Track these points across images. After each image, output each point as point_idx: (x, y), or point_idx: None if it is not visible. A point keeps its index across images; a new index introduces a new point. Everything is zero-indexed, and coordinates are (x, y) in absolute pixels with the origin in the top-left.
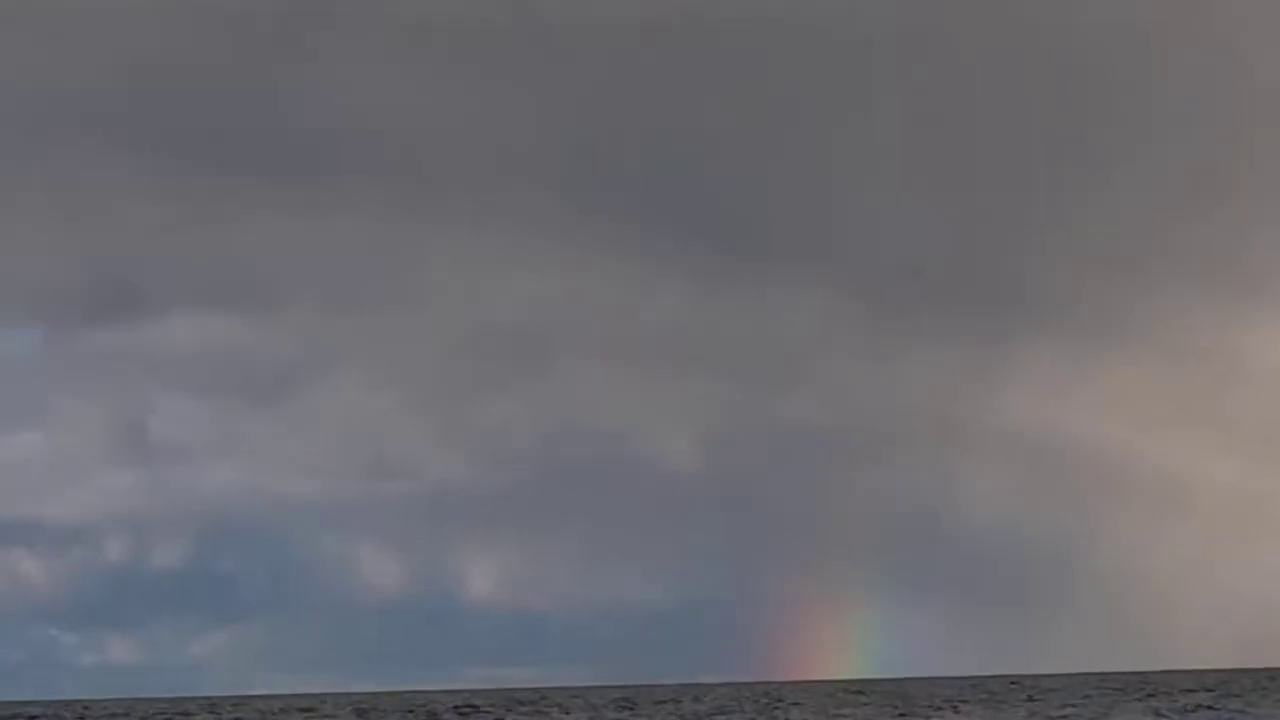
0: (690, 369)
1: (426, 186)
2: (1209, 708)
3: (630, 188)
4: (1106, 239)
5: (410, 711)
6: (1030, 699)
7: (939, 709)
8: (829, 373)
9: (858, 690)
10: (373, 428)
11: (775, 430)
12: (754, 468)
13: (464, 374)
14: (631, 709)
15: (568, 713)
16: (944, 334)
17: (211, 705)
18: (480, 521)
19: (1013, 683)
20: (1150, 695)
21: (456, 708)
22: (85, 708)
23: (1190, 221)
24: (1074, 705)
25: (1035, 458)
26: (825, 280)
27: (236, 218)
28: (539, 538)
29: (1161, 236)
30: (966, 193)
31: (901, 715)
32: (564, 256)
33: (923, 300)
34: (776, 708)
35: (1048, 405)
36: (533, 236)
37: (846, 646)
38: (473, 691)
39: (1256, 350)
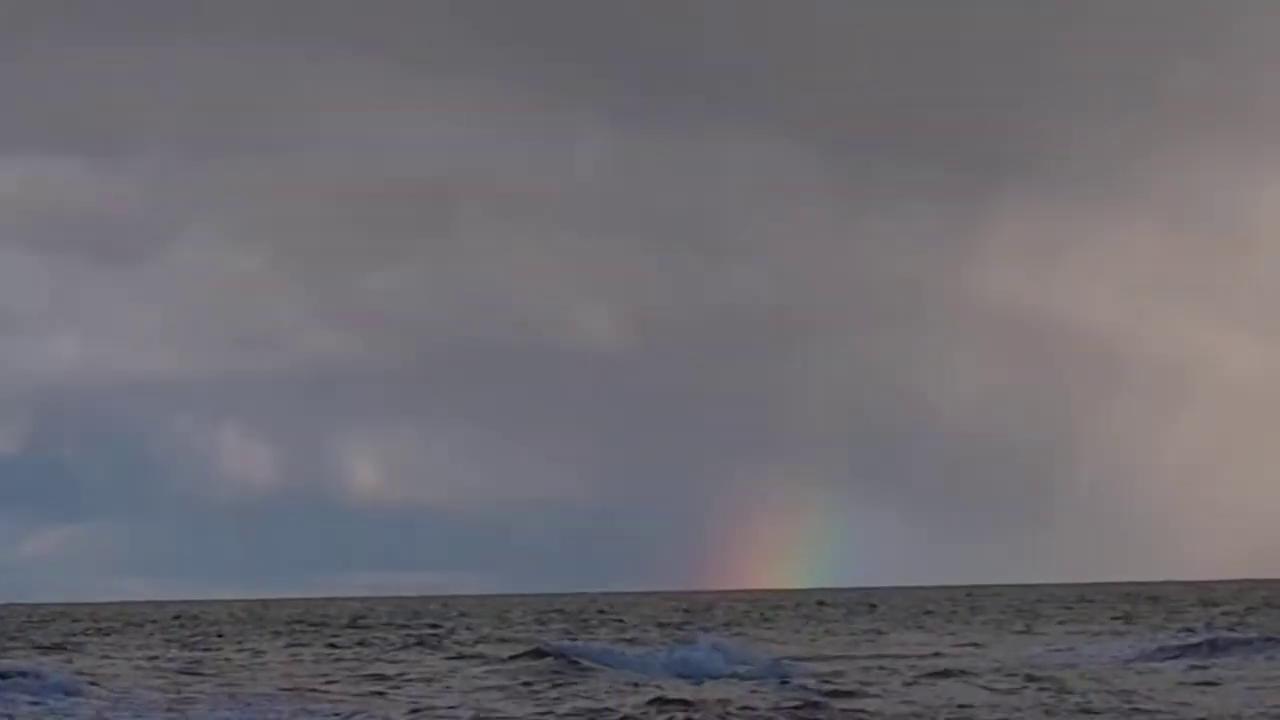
0: (615, 233)
1: (299, 5)
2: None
3: (542, 9)
4: (1098, 84)
5: (295, 624)
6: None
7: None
8: (777, 240)
9: (820, 601)
10: (238, 293)
11: (713, 306)
12: (688, 349)
13: (348, 233)
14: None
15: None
16: (913, 195)
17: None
18: (367, 405)
19: (995, 594)
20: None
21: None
22: None
23: (1193, 61)
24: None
25: (1017, 338)
26: (774, 129)
27: (70, 44)
28: (437, 425)
29: (1160, 79)
30: (942, 29)
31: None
32: (464, 92)
33: (888, 155)
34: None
35: (1032, 277)
36: (426, 69)
37: (795, 555)
38: (362, 601)
39: (1271, 210)
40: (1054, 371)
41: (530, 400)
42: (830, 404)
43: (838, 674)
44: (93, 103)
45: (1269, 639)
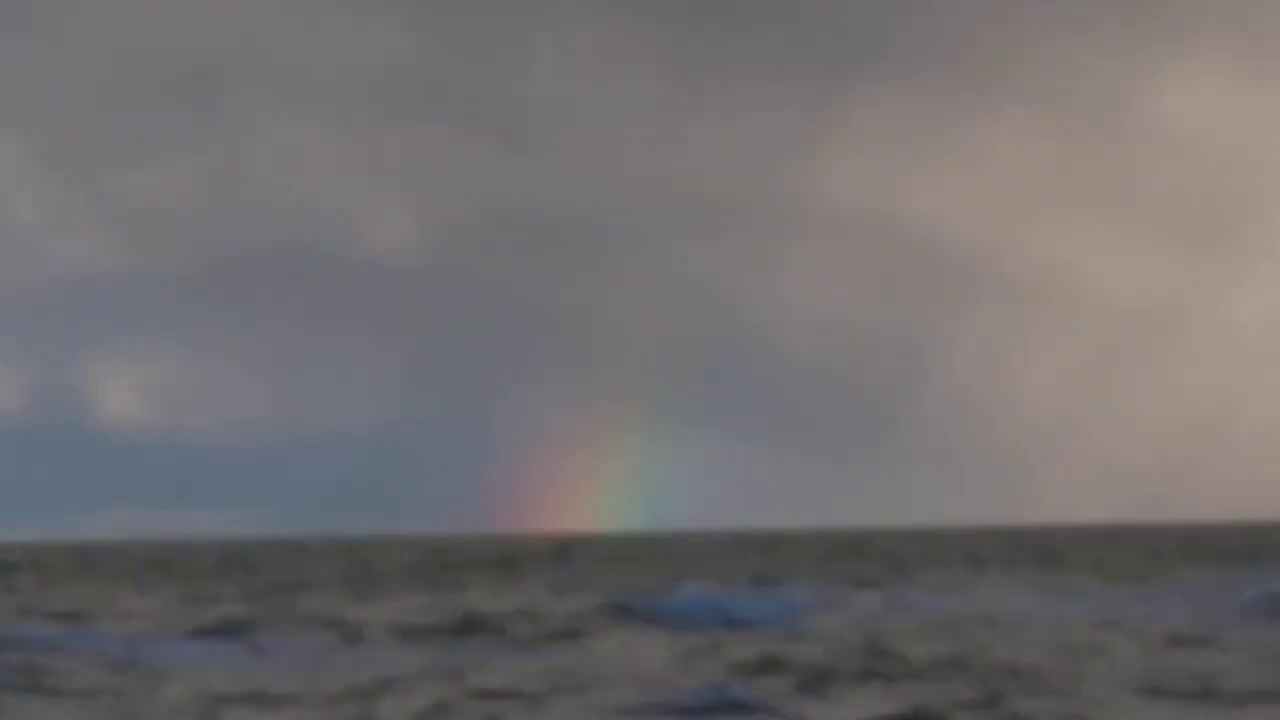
0: (412, 129)
1: None
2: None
3: None
4: None
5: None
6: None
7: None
8: (598, 136)
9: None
10: None
11: (521, 211)
12: (495, 257)
13: (104, 124)
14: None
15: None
16: (747, 86)
17: None
18: (127, 322)
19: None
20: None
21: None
22: None
23: None
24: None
25: (862, 252)
26: (595, 16)
27: None
28: (203, 344)
29: None
30: None
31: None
32: None
33: (722, 44)
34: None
35: (881, 183)
36: None
37: (608, 494)
38: (110, 546)
39: (1173, 114)
40: (903, 290)
41: (314, 317)
42: (648, 323)
43: None
44: None
45: None
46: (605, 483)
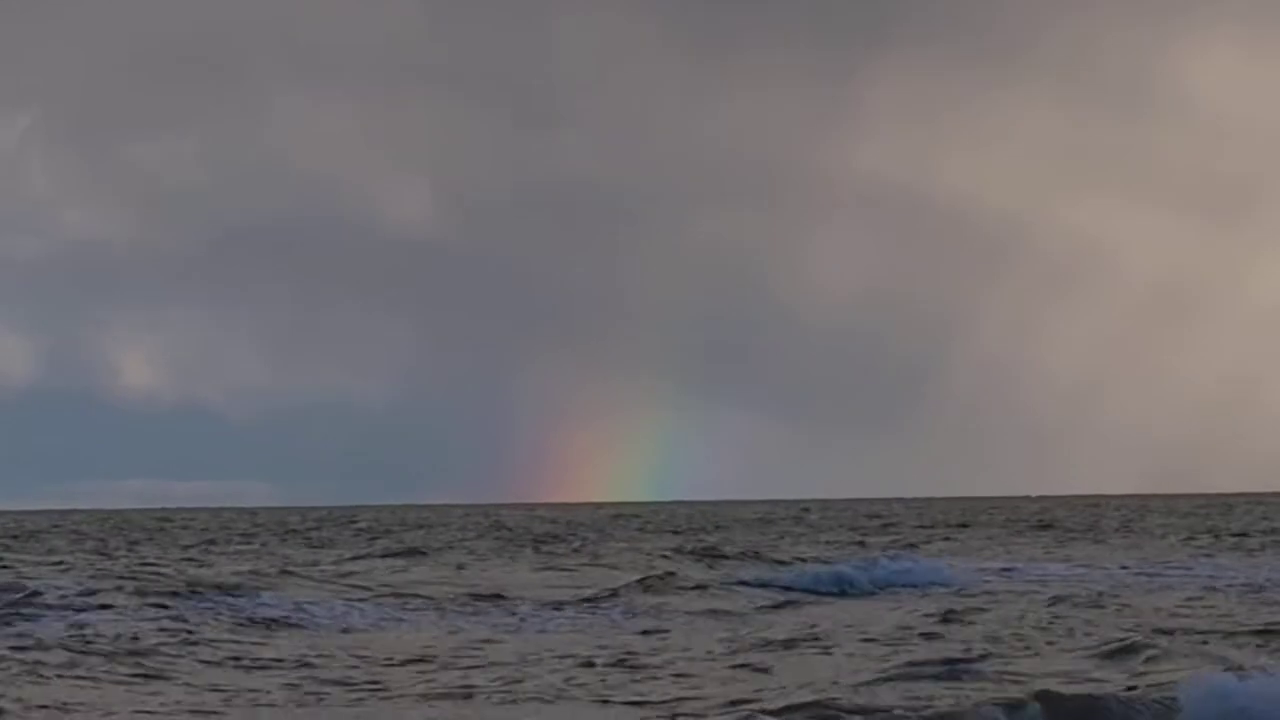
0: (429, 99)
1: None
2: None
3: None
4: None
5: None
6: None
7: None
8: (614, 110)
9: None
10: None
11: (539, 182)
12: (513, 230)
13: (118, 95)
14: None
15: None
16: (772, 58)
17: None
18: (136, 293)
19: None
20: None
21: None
22: None
23: None
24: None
25: (889, 224)
26: None
27: None
28: (216, 315)
29: None
30: None
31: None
32: None
33: (754, 12)
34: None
35: (921, 154)
36: None
37: (624, 467)
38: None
39: (1197, 86)
40: (930, 263)
41: (330, 289)
42: (669, 296)
43: None
44: None
45: None
46: (622, 456)
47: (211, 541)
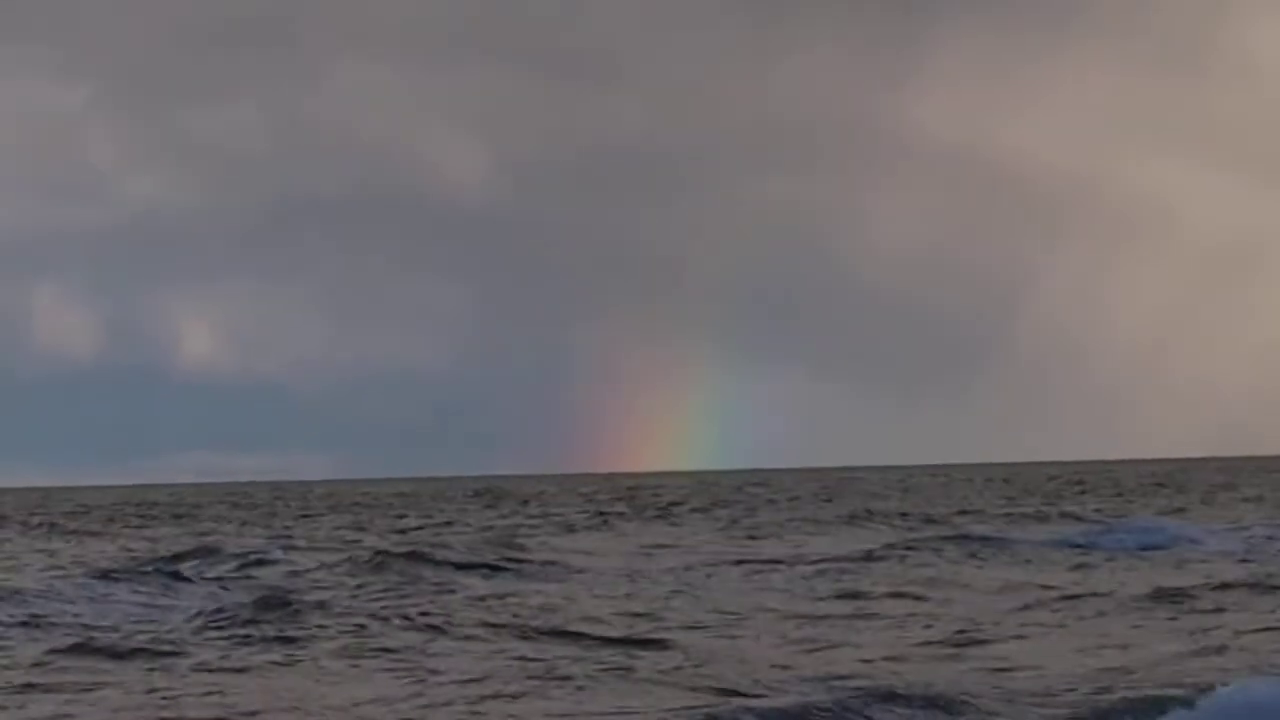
0: (484, 66)
1: None
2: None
3: None
4: None
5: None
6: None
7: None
8: (676, 73)
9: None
10: (52, 135)
11: (600, 147)
12: (570, 196)
13: (178, 67)
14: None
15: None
16: (841, 22)
17: None
18: (197, 264)
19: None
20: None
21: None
22: None
23: None
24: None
25: (949, 186)
26: None
27: None
28: (276, 286)
29: None
30: None
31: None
32: None
33: None
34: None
35: (982, 115)
36: None
37: (688, 432)
38: (188, 489)
39: (1262, 45)
40: (991, 225)
41: (387, 257)
42: (727, 260)
43: None
44: None
45: None
46: (682, 424)
47: (402, 514)
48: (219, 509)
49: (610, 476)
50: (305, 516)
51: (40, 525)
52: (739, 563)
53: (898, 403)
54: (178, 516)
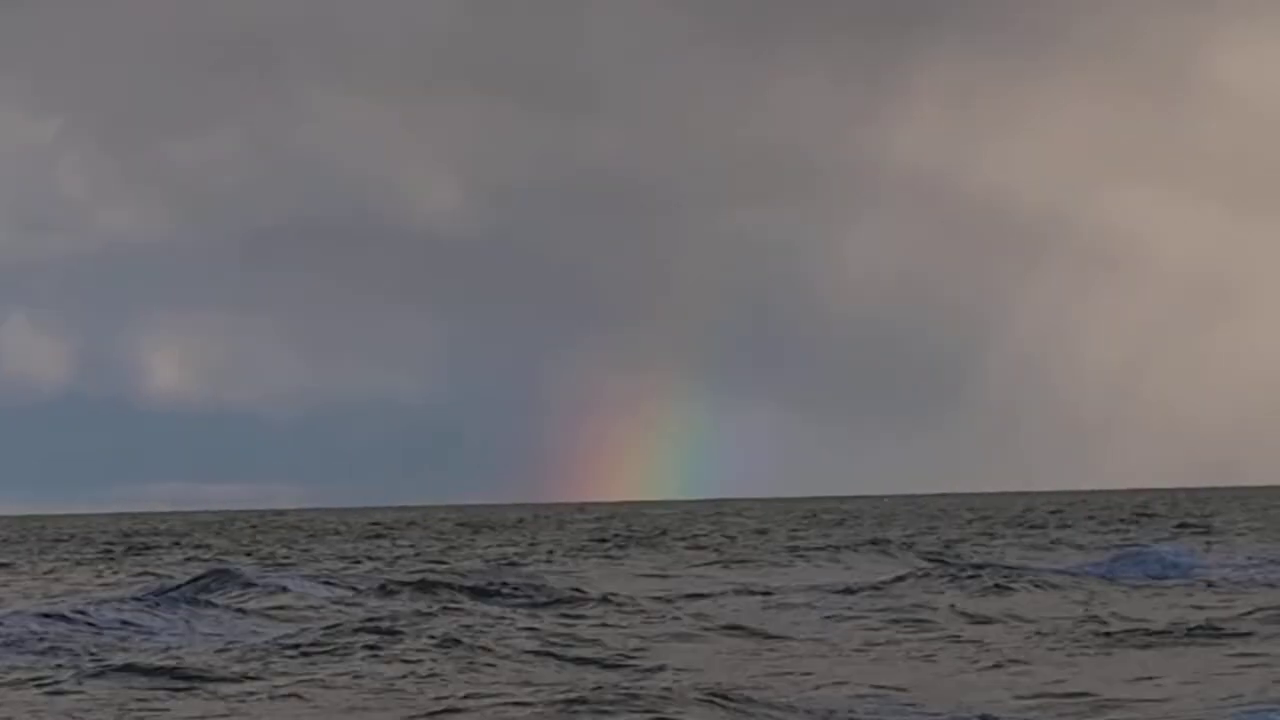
0: (458, 95)
1: None
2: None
3: None
4: None
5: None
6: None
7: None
8: (643, 103)
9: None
10: (25, 163)
11: (574, 176)
12: (543, 225)
13: (154, 95)
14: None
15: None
16: (804, 51)
17: None
18: (171, 293)
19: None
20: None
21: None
22: None
23: None
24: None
25: (923, 215)
26: None
27: None
28: (249, 314)
29: None
30: None
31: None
32: None
33: (788, 3)
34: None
35: (957, 143)
36: None
37: (662, 461)
38: (161, 516)
39: (1237, 75)
40: (965, 255)
41: (361, 287)
42: (705, 290)
43: None
44: None
45: None
46: (656, 452)
47: (396, 541)
48: (202, 536)
49: (583, 506)
50: (291, 545)
51: (42, 553)
52: (752, 593)
53: (869, 433)
54: (177, 544)
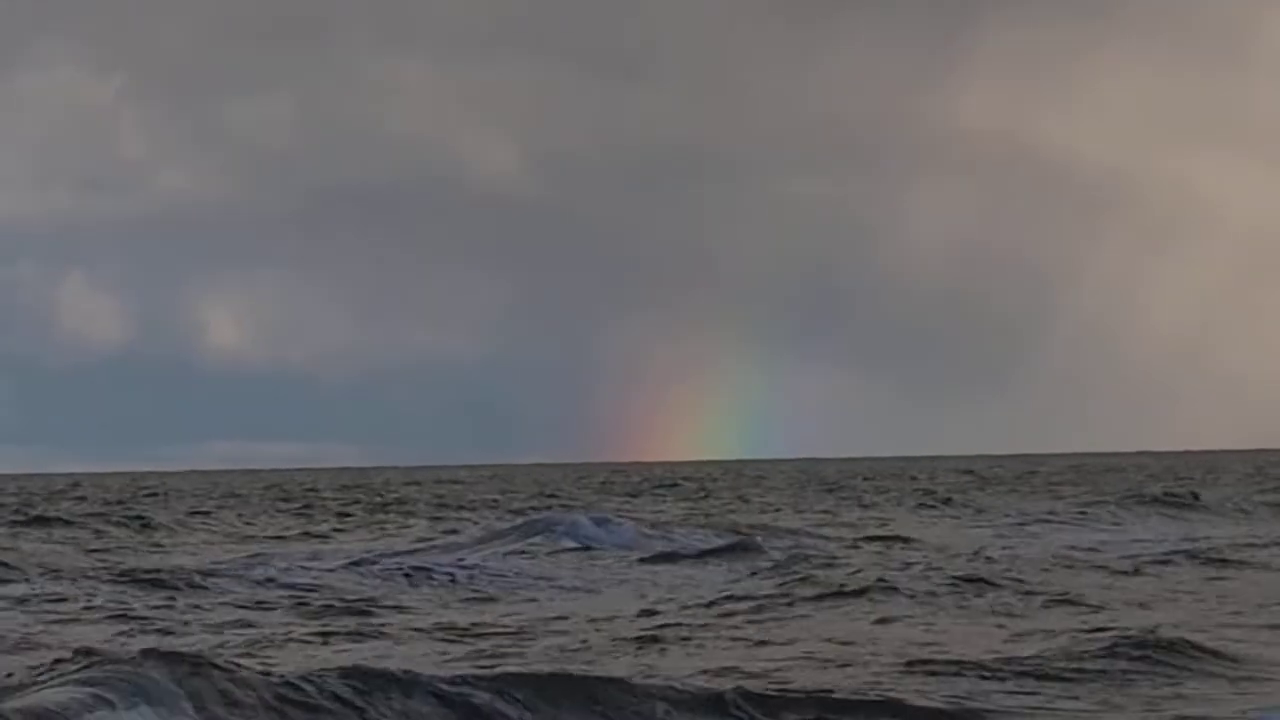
0: (516, 59)
1: None
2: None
3: None
4: None
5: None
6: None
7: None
8: (705, 67)
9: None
10: (86, 124)
11: (633, 142)
12: (600, 189)
13: (211, 60)
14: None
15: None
16: (876, 16)
17: None
18: (228, 253)
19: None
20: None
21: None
22: None
23: None
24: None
25: (988, 179)
26: None
27: None
28: (306, 275)
29: None
30: None
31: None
32: None
33: None
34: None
35: (1020, 108)
36: None
37: (719, 422)
38: (216, 475)
39: None
40: (1030, 219)
41: (417, 249)
42: (763, 254)
43: None
44: None
45: None
46: (712, 413)
47: (551, 494)
48: (393, 495)
49: (648, 465)
50: (445, 505)
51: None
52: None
53: (938, 395)
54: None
